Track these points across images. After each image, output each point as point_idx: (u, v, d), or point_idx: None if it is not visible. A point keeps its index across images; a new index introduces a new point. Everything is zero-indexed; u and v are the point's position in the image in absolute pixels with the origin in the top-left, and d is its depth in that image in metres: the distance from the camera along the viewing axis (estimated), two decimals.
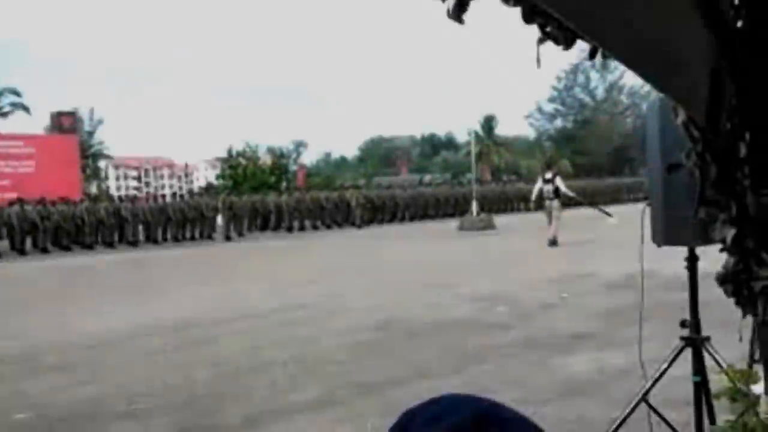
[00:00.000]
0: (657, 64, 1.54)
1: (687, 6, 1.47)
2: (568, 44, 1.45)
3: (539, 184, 20.25)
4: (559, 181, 19.74)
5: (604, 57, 1.53)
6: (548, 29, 1.45)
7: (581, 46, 1.57)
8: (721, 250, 1.92)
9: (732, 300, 1.99)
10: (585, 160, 60.42)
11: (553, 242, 18.76)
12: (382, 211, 35.10)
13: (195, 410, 6.23)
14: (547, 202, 19.45)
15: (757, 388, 3.33)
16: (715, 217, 1.90)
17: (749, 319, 2.01)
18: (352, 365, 7.48)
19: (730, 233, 1.86)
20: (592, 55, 1.52)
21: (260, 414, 6.02)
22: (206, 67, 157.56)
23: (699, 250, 4.04)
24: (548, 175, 20.00)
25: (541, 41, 1.48)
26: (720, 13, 1.63)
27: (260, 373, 7.32)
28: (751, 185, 1.79)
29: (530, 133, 73.75)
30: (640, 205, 4.33)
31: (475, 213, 30.08)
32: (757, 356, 1.99)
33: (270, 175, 42.48)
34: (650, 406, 4.34)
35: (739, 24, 1.67)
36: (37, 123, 43.31)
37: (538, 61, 1.48)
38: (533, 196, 20.71)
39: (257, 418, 5.91)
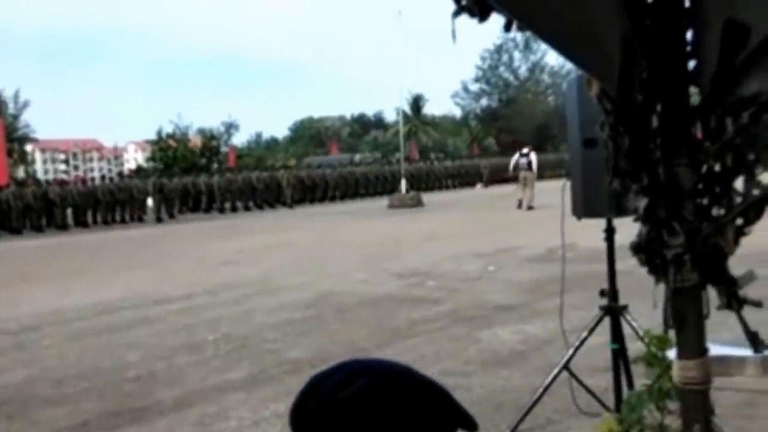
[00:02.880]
0: (570, 36, 1.58)
1: None
2: (482, 16, 1.48)
3: (516, 157, 24.00)
4: (533, 156, 23.64)
5: (520, 29, 1.56)
6: (463, 2, 1.48)
7: (501, 25, 1.60)
8: (635, 220, 1.97)
9: (646, 268, 2.02)
10: (509, 137, 61.36)
11: (530, 207, 21.80)
12: (312, 191, 35.01)
13: (125, 393, 6.16)
14: (523, 173, 22.92)
15: (672, 353, 3.48)
16: (628, 188, 1.95)
17: (663, 286, 2.04)
18: (284, 343, 7.49)
19: (643, 203, 1.90)
20: (507, 28, 1.55)
21: (191, 394, 5.99)
22: (135, 46, 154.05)
23: (616, 222, 4.19)
24: (525, 150, 23.87)
25: (456, 14, 1.50)
26: None
27: (191, 354, 7.27)
28: (663, 156, 1.84)
29: (457, 112, 74.67)
30: (562, 181, 4.46)
31: (404, 191, 30.32)
32: (671, 322, 2.05)
33: (201, 157, 41.98)
34: (571, 374, 4.49)
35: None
36: None
37: (454, 34, 1.51)
38: (510, 168, 24.65)
39: (189, 399, 5.88)
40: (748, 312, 2.03)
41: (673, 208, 1.85)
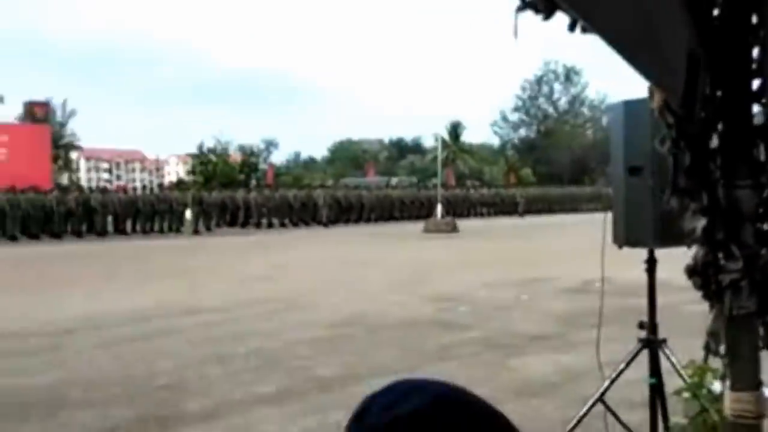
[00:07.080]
0: (637, 43, 1.53)
1: None
2: (547, 14, 1.43)
3: None
4: None
5: (584, 30, 1.51)
6: None
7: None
8: (691, 243, 1.88)
9: (688, 304, 1.94)
10: (546, 169, 61.34)
11: None
12: (348, 211, 35.11)
13: (154, 400, 6.15)
14: None
15: (715, 386, 3.36)
16: (686, 207, 1.87)
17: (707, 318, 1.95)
18: (313, 360, 7.44)
19: (701, 224, 1.82)
20: (572, 27, 1.50)
21: (220, 405, 5.96)
22: (181, 61, 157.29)
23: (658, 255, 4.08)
24: None
25: (520, 9, 1.45)
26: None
27: (221, 366, 7.25)
28: (723, 176, 1.77)
29: (495, 141, 74.72)
30: (599, 214, 4.37)
31: (439, 216, 30.26)
32: (718, 351, 1.96)
33: (240, 173, 42.53)
34: (606, 407, 4.37)
35: (716, 12, 1.68)
36: (9, 112, 42.96)
37: (516, 31, 1.46)
38: None
39: (216, 410, 5.84)
40: None
41: (733, 231, 1.77)
